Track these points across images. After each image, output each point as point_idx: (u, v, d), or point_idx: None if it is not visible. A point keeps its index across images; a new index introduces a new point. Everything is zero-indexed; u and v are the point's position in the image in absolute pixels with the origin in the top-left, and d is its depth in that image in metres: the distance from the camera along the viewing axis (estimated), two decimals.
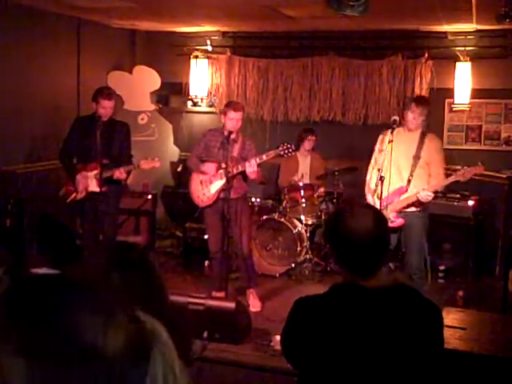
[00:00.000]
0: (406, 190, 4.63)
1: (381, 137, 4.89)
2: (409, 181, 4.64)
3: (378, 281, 1.93)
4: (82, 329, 0.84)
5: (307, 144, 6.74)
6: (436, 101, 6.99)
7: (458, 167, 4.85)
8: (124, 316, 0.90)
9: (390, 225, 4.21)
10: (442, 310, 2.04)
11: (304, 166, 6.79)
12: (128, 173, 5.30)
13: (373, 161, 4.93)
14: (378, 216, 2.01)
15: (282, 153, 5.02)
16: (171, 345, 0.96)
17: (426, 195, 4.54)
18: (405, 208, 4.65)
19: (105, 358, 0.84)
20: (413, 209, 4.69)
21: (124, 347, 0.86)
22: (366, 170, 5.04)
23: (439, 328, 1.97)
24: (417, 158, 4.63)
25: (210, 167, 5.18)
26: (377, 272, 1.94)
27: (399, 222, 4.64)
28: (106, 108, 5.17)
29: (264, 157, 4.98)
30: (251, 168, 4.92)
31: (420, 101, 4.79)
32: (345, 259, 1.98)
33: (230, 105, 5.18)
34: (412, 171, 4.64)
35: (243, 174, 5.05)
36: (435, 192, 4.68)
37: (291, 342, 2.00)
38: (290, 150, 5.03)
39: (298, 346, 1.96)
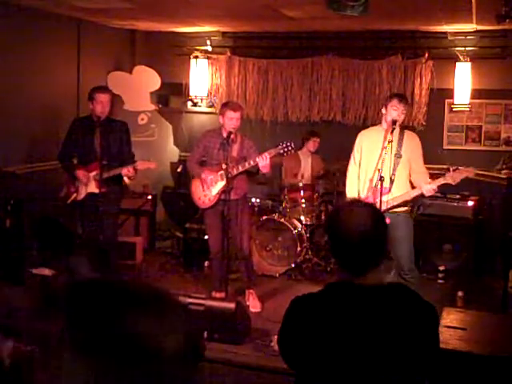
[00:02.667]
0: (390, 190, 4.50)
1: (359, 137, 4.81)
2: (392, 180, 4.52)
3: (372, 279, 1.94)
4: (142, 331, 0.89)
5: (311, 145, 6.75)
6: (436, 101, 7.00)
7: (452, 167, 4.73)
8: (179, 318, 0.94)
9: None
10: (438, 309, 2.04)
11: (305, 166, 6.80)
12: (135, 170, 5.25)
13: (352, 160, 4.84)
14: (376, 215, 2.00)
15: (281, 151, 4.97)
16: None
17: (431, 188, 4.42)
18: (395, 207, 4.54)
19: (164, 358, 0.88)
20: (402, 208, 4.58)
21: (180, 348, 0.91)
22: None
23: (433, 326, 1.97)
24: (398, 156, 4.52)
25: (210, 170, 5.17)
26: (371, 270, 1.94)
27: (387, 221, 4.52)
28: (102, 102, 5.10)
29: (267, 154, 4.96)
30: (264, 161, 4.85)
31: (402, 97, 4.69)
32: (339, 256, 2.00)
33: (228, 105, 5.15)
34: (394, 170, 4.53)
35: (246, 171, 5.02)
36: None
37: (287, 341, 2.00)
38: (290, 148, 4.98)
39: (293, 345, 1.96)
